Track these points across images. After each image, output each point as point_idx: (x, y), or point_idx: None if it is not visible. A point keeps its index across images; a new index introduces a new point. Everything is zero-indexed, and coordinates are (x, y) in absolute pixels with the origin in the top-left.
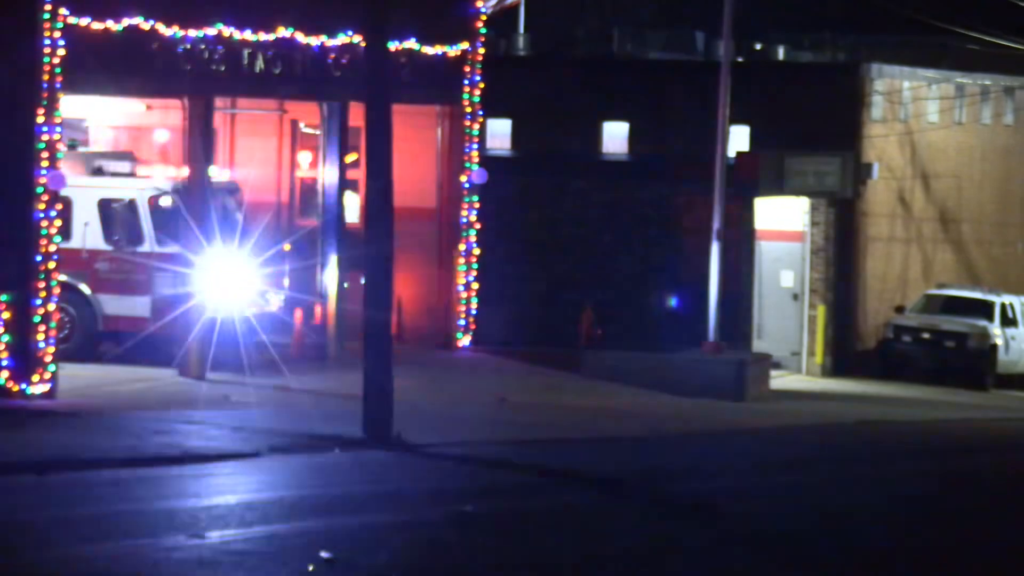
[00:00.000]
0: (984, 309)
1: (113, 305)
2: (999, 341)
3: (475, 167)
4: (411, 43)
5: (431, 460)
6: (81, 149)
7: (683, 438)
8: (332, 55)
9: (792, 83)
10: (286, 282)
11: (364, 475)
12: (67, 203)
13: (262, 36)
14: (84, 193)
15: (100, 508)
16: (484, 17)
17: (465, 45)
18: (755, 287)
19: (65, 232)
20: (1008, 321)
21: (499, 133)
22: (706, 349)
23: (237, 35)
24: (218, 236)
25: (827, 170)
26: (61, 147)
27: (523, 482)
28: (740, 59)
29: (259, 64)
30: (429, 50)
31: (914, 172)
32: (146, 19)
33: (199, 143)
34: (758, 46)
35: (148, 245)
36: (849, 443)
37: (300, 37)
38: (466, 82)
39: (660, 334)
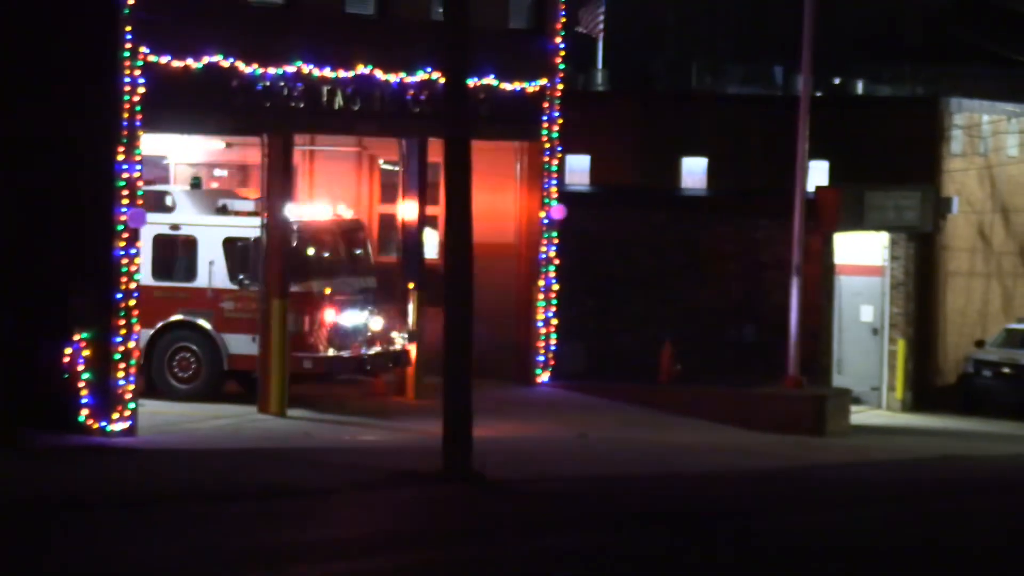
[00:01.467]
0: None
1: (239, 344)
2: None
3: (554, 203)
4: (490, 79)
5: (511, 495)
6: (204, 188)
7: (765, 474)
8: (411, 91)
9: (871, 117)
10: (411, 321)
11: (442, 511)
12: (192, 242)
13: (341, 73)
14: (209, 232)
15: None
16: (563, 53)
17: (544, 81)
18: (835, 321)
19: (191, 272)
20: None
21: (578, 168)
22: (786, 384)
23: (316, 72)
24: (343, 275)
25: (907, 204)
26: (141, 184)
27: (604, 517)
28: (819, 93)
29: (338, 101)
30: (508, 86)
31: (994, 206)
32: (225, 57)
33: (278, 180)
34: (837, 80)
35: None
36: (931, 478)
37: (379, 74)
38: (545, 118)
39: (740, 369)
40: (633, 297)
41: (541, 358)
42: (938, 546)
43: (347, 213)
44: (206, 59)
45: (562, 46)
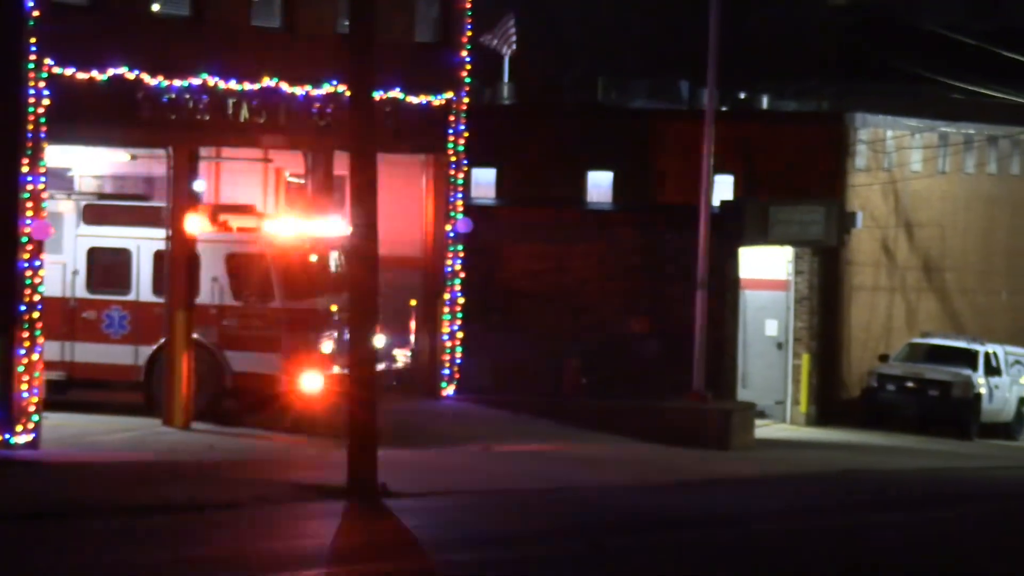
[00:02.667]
0: (968, 358)
1: (242, 362)
2: (983, 390)
3: (460, 216)
4: (396, 92)
5: (414, 510)
6: (205, 202)
7: (667, 488)
8: (317, 104)
9: (777, 132)
10: (412, 338)
11: (344, 526)
12: (195, 259)
13: (247, 85)
14: (212, 248)
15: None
16: (468, 67)
17: (450, 94)
18: (739, 336)
19: (193, 287)
20: (992, 370)
21: (484, 182)
22: (690, 398)
23: (222, 84)
24: (343, 292)
25: (811, 219)
26: (45, 196)
27: (505, 531)
28: (724, 108)
29: (244, 113)
30: (414, 99)
31: (898, 221)
32: (131, 69)
33: (183, 192)
34: (742, 95)
35: (278, 301)
36: (832, 492)
37: (285, 87)
38: (451, 131)
39: (645, 383)
40: (539, 311)
41: (447, 372)
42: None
43: (343, 231)
44: (111, 71)
45: (468, 60)
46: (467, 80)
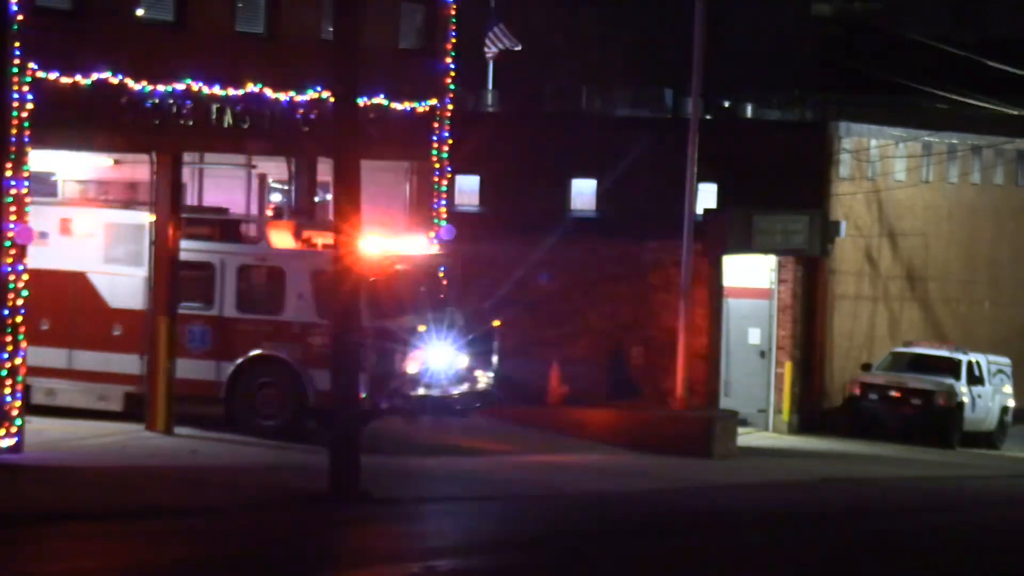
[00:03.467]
0: (951, 367)
1: (327, 381)
2: (965, 399)
3: (443, 223)
4: (380, 99)
5: (398, 516)
6: (287, 217)
7: (651, 495)
8: (301, 110)
9: (760, 141)
10: (496, 359)
11: (328, 531)
12: (279, 274)
13: (230, 91)
14: (297, 265)
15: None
16: (453, 74)
17: (434, 101)
18: (722, 344)
19: (278, 305)
20: (974, 379)
21: (468, 189)
22: (673, 406)
23: (205, 90)
24: (429, 312)
25: (795, 228)
26: (29, 200)
27: (485, 538)
28: (708, 116)
29: (227, 119)
30: (398, 106)
31: (881, 230)
32: (115, 74)
33: (167, 198)
34: (726, 104)
35: (364, 320)
36: (811, 501)
37: (269, 92)
38: (434, 138)
39: (628, 391)
40: (522, 319)
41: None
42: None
43: (435, 249)
44: (95, 76)
45: (452, 67)
46: (451, 87)
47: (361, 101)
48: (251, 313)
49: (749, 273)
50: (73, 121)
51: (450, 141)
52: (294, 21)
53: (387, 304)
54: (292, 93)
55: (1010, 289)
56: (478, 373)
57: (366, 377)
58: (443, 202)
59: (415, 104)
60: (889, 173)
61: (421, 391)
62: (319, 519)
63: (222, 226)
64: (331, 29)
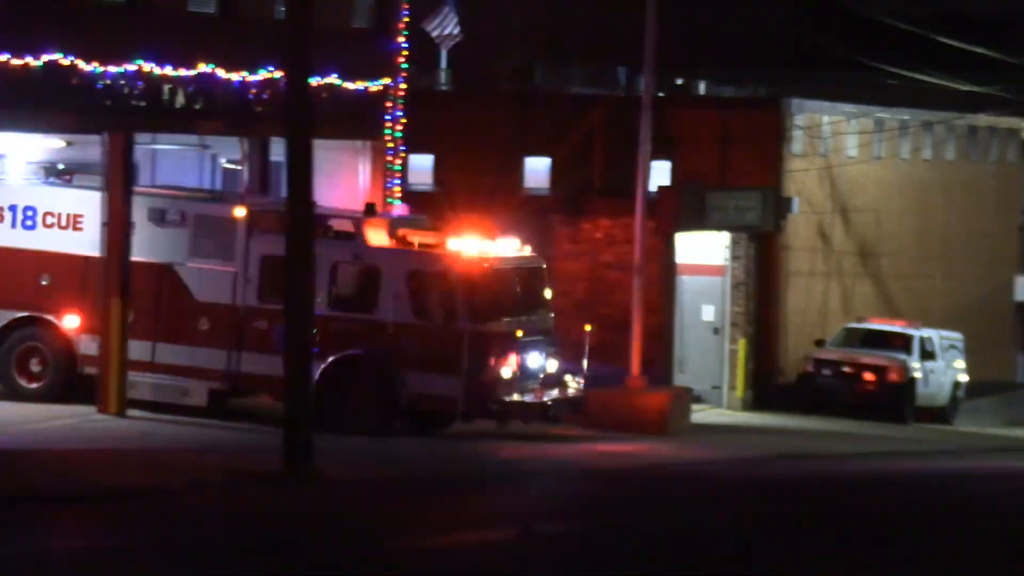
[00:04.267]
0: (903, 343)
1: (419, 382)
2: (918, 375)
3: (398, 202)
4: (332, 79)
5: (350, 496)
6: (380, 215)
7: (606, 473)
8: (253, 90)
9: (713, 118)
10: (586, 364)
11: (279, 512)
12: (375, 273)
13: (182, 72)
14: (393, 264)
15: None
16: (406, 53)
17: (387, 80)
18: (676, 321)
19: (372, 304)
20: (927, 355)
21: (421, 168)
22: (628, 384)
23: (157, 70)
24: (525, 315)
25: (748, 205)
26: None
27: (437, 516)
28: (661, 94)
29: (179, 99)
30: (350, 85)
31: (834, 206)
32: (65, 55)
33: (119, 178)
34: (680, 81)
35: (461, 321)
36: (768, 476)
37: (221, 73)
38: (388, 117)
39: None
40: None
41: None
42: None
43: (527, 251)
44: (46, 57)
45: (405, 46)
46: (404, 66)
47: (314, 81)
48: (343, 311)
49: (702, 250)
50: (24, 102)
51: (403, 120)
52: (246, 1)
53: (483, 307)
54: (244, 73)
55: (962, 264)
56: (568, 378)
57: (460, 380)
58: (397, 181)
59: (368, 83)
60: (841, 149)
61: (515, 396)
62: (262, 499)
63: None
64: (283, 8)
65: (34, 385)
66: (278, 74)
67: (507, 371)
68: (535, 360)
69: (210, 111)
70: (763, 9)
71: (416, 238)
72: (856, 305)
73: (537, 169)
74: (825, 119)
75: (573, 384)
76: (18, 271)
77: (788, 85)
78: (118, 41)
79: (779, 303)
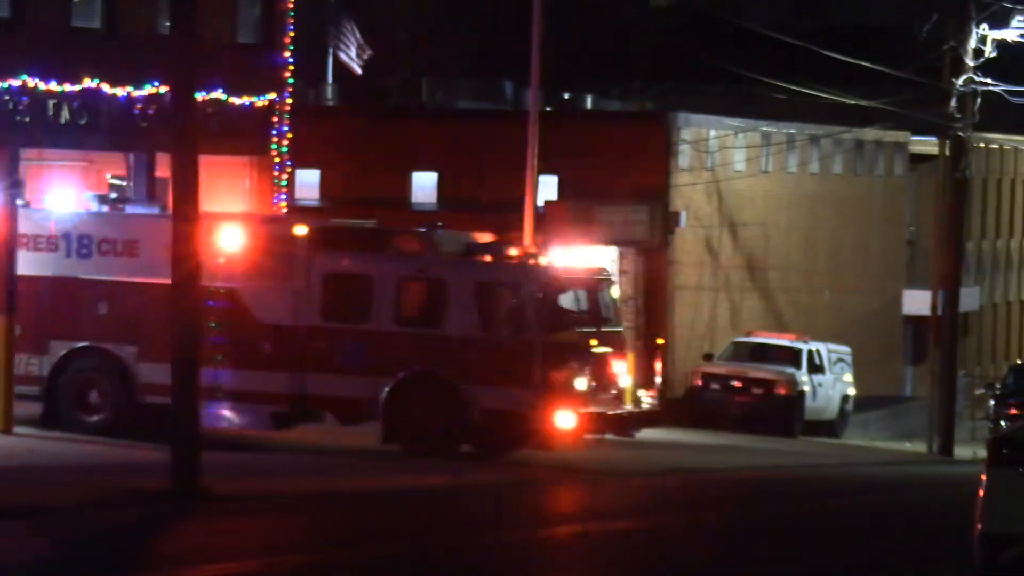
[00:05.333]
0: (791, 356)
1: (489, 398)
2: (806, 388)
3: None
4: (218, 93)
5: (238, 513)
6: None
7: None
8: (139, 106)
9: (600, 132)
10: (659, 379)
11: (163, 530)
12: (441, 286)
13: (67, 87)
14: (460, 275)
15: None
16: (291, 67)
17: (273, 95)
18: None
19: (438, 318)
20: (815, 368)
21: (308, 183)
22: None
23: (42, 86)
24: (597, 326)
25: (635, 219)
26: None
27: (325, 532)
28: (548, 108)
29: (65, 115)
30: (237, 100)
31: (721, 220)
32: None
33: (5, 194)
34: (566, 95)
35: (533, 334)
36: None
37: (106, 88)
38: (274, 132)
39: None
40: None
41: None
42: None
43: (596, 263)
44: None
45: (291, 60)
46: (290, 81)
47: (199, 96)
48: (411, 327)
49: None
50: None
51: (290, 135)
52: (131, 16)
53: (554, 318)
54: (130, 88)
55: (850, 278)
56: (641, 392)
57: (534, 393)
58: (283, 196)
59: (254, 98)
60: (728, 163)
61: (594, 408)
62: (147, 517)
63: (377, 236)
64: (168, 24)
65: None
66: (163, 89)
67: (583, 383)
68: (608, 372)
69: (96, 126)
70: (649, 24)
71: (482, 249)
72: (744, 319)
73: (424, 184)
74: (712, 133)
75: (648, 398)
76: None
77: (674, 99)
78: (2, 56)
79: (667, 317)
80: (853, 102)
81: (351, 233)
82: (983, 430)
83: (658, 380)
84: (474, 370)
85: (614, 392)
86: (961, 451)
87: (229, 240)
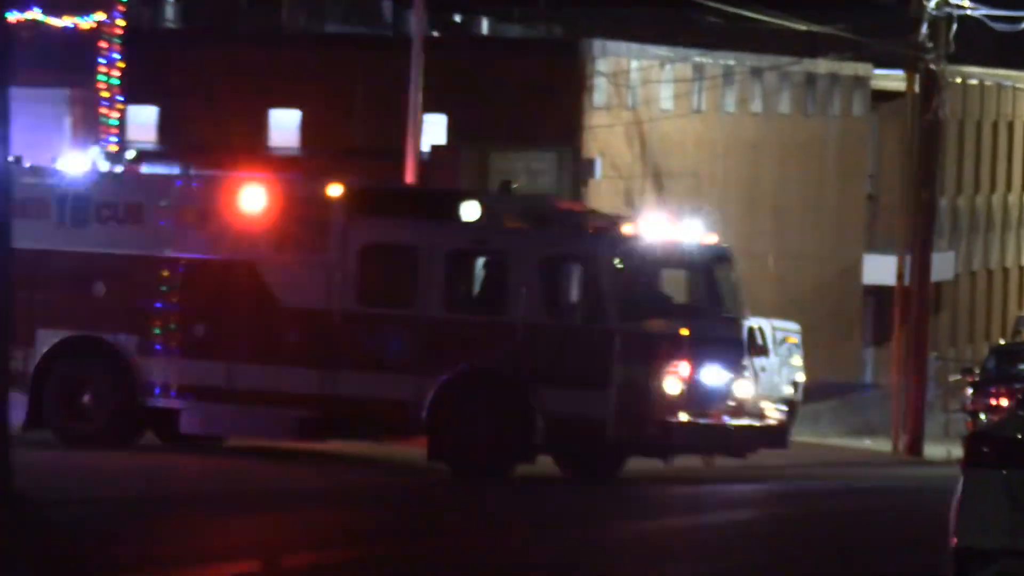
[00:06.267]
0: None
1: (556, 400)
2: (747, 372)
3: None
4: (34, 13)
5: (54, 520)
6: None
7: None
8: None
9: (498, 64)
10: (792, 390)
11: None
12: (500, 261)
13: None
14: (523, 248)
15: None
16: None
17: (101, 16)
18: None
19: (496, 301)
20: (758, 350)
21: (144, 122)
22: None
23: None
24: (702, 315)
25: (540, 168)
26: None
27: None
28: (436, 34)
29: None
30: (56, 22)
31: (645, 170)
32: None
33: None
34: (458, 18)
35: (608, 321)
36: None
37: None
38: (102, 61)
39: None
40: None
41: None
42: None
43: (712, 238)
44: None
45: None
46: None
47: (11, 16)
48: (465, 313)
49: None
50: None
51: (122, 64)
52: None
53: (637, 302)
54: None
55: (799, 241)
56: (765, 403)
57: (609, 395)
58: (114, 137)
59: (78, 19)
60: (653, 101)
61: (683, 417)
62: None
63: (425, 200)
64: None
65: None
66: None
67: (673, 384)
68: (714, 374)
69: None
70: None
71: (556, 216)
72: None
73: (285, 124)
74: (634, 64)
75: (774, 412)
76: None
77: (588, 25)
78: None
79: None
80: (804, 28)
81: (396, 194)
82: (959, 424)
83: (792, 391)
84: (538, 366)
85: (724, 401)
86: (932, 450)
87: (245, 202)
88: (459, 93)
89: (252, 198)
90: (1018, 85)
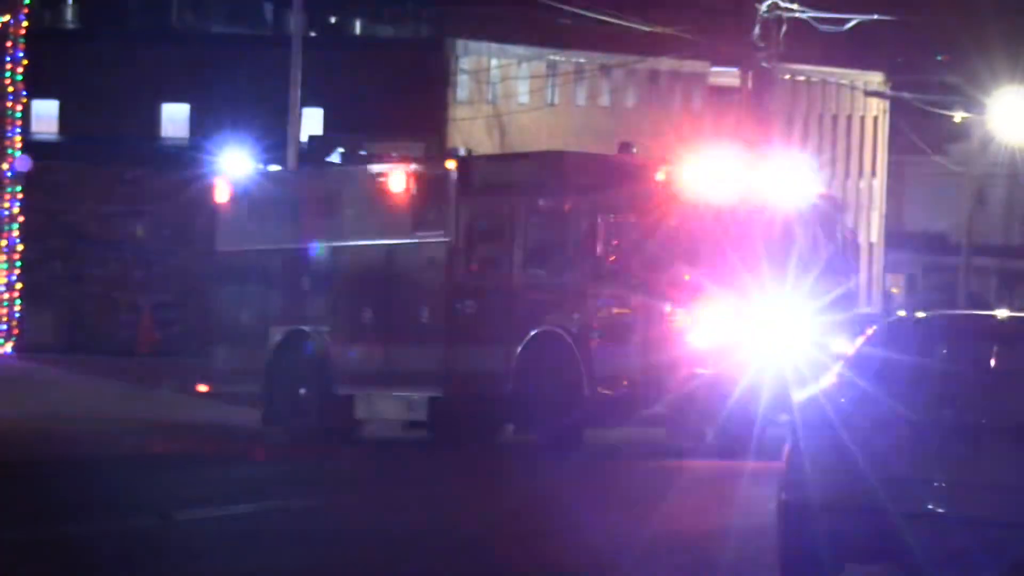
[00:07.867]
0: None
1: (611, 360)
2: None
3: (18, 154)
4: None
5: None
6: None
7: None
8: None
9: (370, 60)
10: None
11: None
12: (563, 217)
13: None
14: (582, 202)
15: None
16: None
17: (7, 17)
18: None
19: (559, 261)
20: None
21: (46, 116)
22: None
23: None
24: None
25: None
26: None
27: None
28: (313, 34)
29: None
30: None
31: None
32: None
33: None
34: (333, 19)
35: (670, 273)
36: None
37: None
38: (8, 58)
39: None
40: (109, 260)
41: (3, 327)
42: None
43: (815, 188)
44: None
45: None
46: (26, 1)
47: None
48: (537, 271)
49: None
50: None
51: (25, 61)
52: None
53: (713, 262)
54: None
55: None
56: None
57: (636, 350)
58: (18, 130)
59: None
60: (512, 95)
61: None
62: None
63: (518, 166)
64: None
65: None
66: None
67: (700, 337)
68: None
69: None
70: None
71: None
72: None
73: (176, 117)
74: (494, 62)
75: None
76: None
77: (452, 24)
78: None
79: None
80: (648, 29)
81: (495, 164)
82: None
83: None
84: (591, 325)
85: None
86: None
87: (379, 186)
88: (335, 88)
89: (387, 181)
90: (842, 81)
